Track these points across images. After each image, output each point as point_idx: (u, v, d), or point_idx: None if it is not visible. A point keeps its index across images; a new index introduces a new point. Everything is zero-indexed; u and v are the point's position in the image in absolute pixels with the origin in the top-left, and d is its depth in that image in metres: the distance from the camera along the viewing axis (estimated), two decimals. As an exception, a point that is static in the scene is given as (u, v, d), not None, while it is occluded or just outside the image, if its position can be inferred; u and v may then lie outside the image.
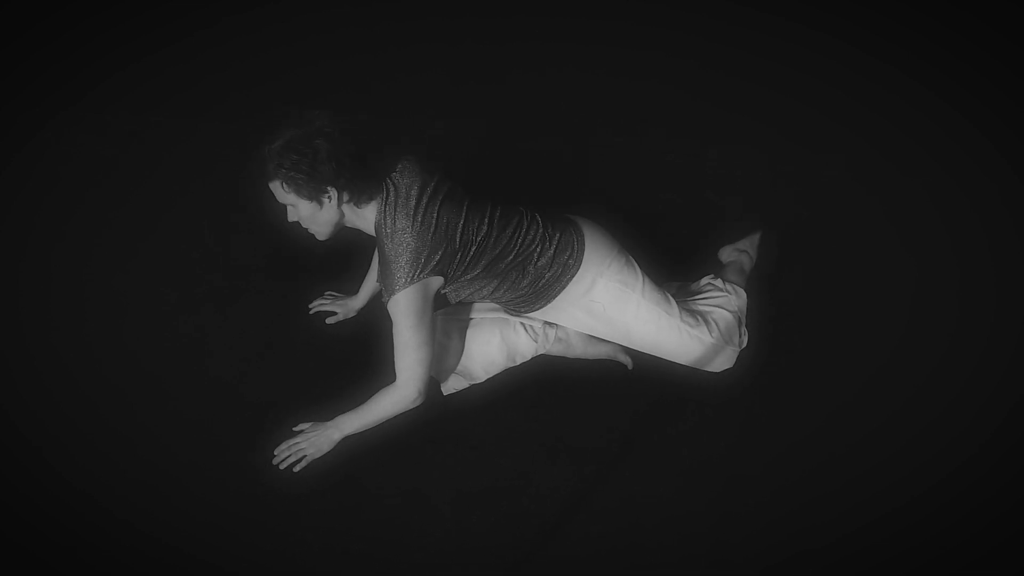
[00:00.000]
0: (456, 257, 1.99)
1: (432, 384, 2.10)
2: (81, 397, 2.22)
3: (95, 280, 2.50)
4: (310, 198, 1.91)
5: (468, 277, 2.04)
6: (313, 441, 2.08)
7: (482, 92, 3.17)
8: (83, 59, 3.17)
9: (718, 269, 2.39)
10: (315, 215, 1.95)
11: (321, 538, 2.00)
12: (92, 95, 3.07)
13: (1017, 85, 3.09)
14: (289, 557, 1.97)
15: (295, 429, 2.13)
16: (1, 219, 2.66)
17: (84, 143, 2.92)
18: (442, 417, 2.18)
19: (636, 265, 2.16)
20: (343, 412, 2.09)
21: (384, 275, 1.98)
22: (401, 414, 2.07)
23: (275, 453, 2.09)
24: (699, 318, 2.18)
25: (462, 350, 2.19)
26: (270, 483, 2.06)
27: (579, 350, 2.27)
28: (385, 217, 1.95)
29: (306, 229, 2.02)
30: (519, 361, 2.24)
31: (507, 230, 2.04)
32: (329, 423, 2.09)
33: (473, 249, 2.01)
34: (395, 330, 2.00)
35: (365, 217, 1.98)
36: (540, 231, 2.08)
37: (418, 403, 2.05)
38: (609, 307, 2.12)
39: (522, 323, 2.21)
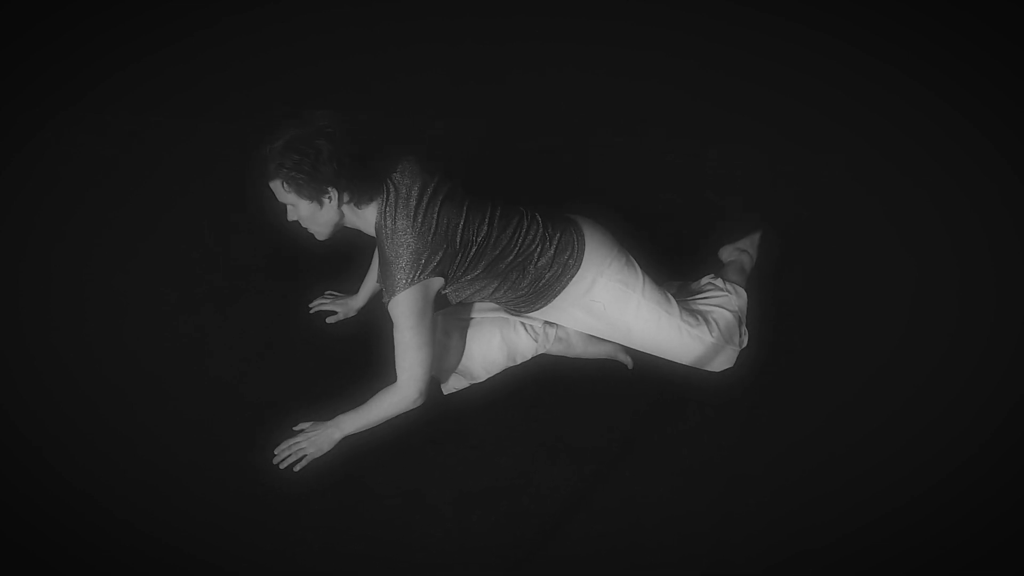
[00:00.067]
0: (456, 258, 1.99)
1: (433, 384, 2.10)
2: (81, 397, 2.22)
3: (95, 280, 2.50)
4: (311, 198, 1.91)
5: (468, 278, 2.04)
6: (313, 440, 2.08)
7: (482, 92, 3.17)
8: (83, 59, 3.17)
9: (718, 269, 2.40)
10: (315, 215, 1.95)
11: (321, 538, 2.00)
12: (92, 95, 3.07)
13: (1017, 85, 3.09)
14: (289, 557, 1.97)
15: (295, 428, 2.13)
16: (1, 219, 2.66)
17: (84, 143, 2.92)
18: (442, 417, 2.18)
19: (636, 265, 2.16)
20: (343, 412, 2.09)
21: (384, 276, 1.98)
22: (402, 414, 2.06)
23: (275, 452, 2.09)
24: (699, 317, 2.18)
25: (463, 350, 2.19)
26: (270, 483, 2.06)
27: (579, 350, 2.27)
28: (385, 218, 1.95)
29: (306, 229, 2.02)
30: (519, 361, 2.24)
31: (507, 230, 2.04)
32: (329, 422, 2.09)
33: (473, 250, 2.01)
34: (396, 331, 1.99)
35: (365, 218, 1.98)
36: (540, 231, 2.08)
37: (419, 403, 2.05)
38: (609, 307, 2.12)
39: (522, 323, 2.21)
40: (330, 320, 2.41)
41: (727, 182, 2.86)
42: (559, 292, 2.10)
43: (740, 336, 2.23)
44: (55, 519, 2.00)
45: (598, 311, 2.13)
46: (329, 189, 1.90)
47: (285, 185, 1.90)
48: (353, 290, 2.42)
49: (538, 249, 2.07)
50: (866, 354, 2.36)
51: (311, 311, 2.43)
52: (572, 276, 2.09)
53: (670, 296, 2.19)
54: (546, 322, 2.22)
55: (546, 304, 2.12)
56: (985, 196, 2.78)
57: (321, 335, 2.39)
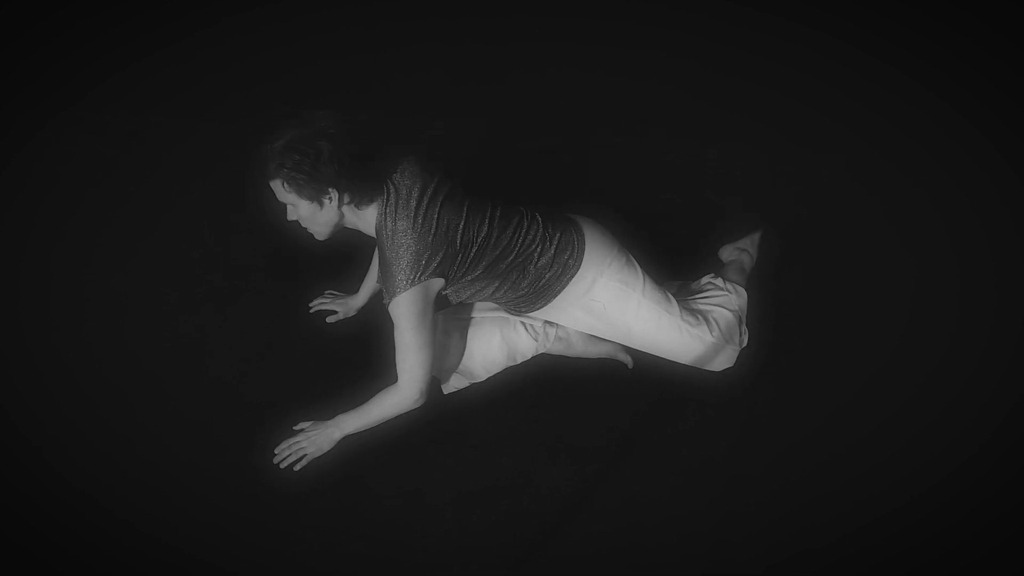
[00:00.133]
0: (457, 259, 1.99)
1: (433, 384, 2.10)
2: (81, 397, 2.22)
3: (95, 280, 2.50)
4: (311, 198, 1.91)
5: (469, 278, 2.04)
6: (314, 440, 2.08)
7: (482, 92, 3.17)
8: (83, 59, 3.17)
9: (718, 268, 2.40)
10: (315, 215, 1.95)
11: (321, 538, 2.00)
12: (92, 95, 3.07)
13: (1017, 85, 3.09)
14: (289, 557, 1.97)
15: (296, 428, 2.13)
16: (1, 219, 2.66)
17: (84, 143, 2.92)
18: (443, 416, 2.18)
19: (636, 264, 2.16)
20: (343, 412, 2.09)
21: (385, 277, 1.98)
22: (402, 414, 2.06)
23: (275, 452, 2.09)
24: (699, 317, 2.18)
25: (463, 349, 2.19)
26: (270, 483, 2.06)
27: (579, 349, 2.27)
28: (386, 219, 1.95)
29: (305, 229, 2.02)
30: (519, 360, 2.24)
31: (507, 230, 2.04)
32: (330, 422, 2.09)
33: (474, 250, 2.01)
34: (396, 332, 1.99)
35: (365, 219, 1.98)
36: (540, 231, 2.08)
37: (419, 404, 2.04)
38: (609, 306, 2.12)
39: (522, 322, 2.21)
40: (330, 320, 2.41)
41: (727, 182, 2.86)
42: (559, 292, 2.10)
43: (740, 336, 2.23)
44: (55, 519, 2.00)
45: (598, 311, 2.13)
46: (329, 190, 1.89)
47: (285, 185, 1.90)
48: (353, 290, 2.42)
49: (538, 249, 2.07)
50: (866, 354, 2.36)
51: (311, 310, 2.43)
52: (572, 276, 2.09)
53: (670, 296, 2.19)
54: (546, 321, 2.22)
55: (546, 304, 2.12)
56: (985, 196, 2.78)
57: (321, 335, 2.39)
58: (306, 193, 1.90)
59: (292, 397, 2.22)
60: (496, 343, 2.20)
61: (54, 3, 3.33)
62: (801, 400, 2.27)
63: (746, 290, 2.29)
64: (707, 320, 2.19)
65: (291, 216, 1.99)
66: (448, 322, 2.19)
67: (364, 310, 2.41)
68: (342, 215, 1.96)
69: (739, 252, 2.44)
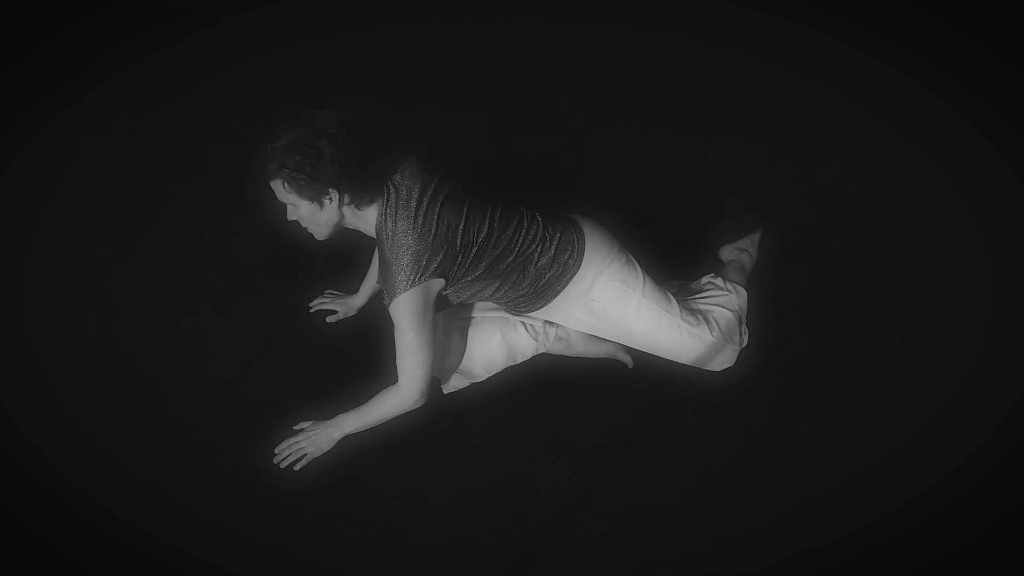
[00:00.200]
0: (457, 259, 1.99)
1: (433, 384, 2.10)
2: (81, 397, 2.22)
3: (95, 280, 2.50)
4: (311, 199, 1.91)
5: (469, 279, 2.04)
6: (314, 439, 2.08)
7: (482, 92, 3.17)
8: (83, 59, 3.17)
9: (718, 268, 2.40)
10: (315, 215, 1.95)
11: (321, 538, 2.00)
12: (92, 95, 3.07)
13: (1017, 85, 3.09)
14: (289, 557, 1.97)
15: (296, 428, 2.13)
16: (1, 219, 2.66)
17: (84, 143, 2.92)
18: (443, 416, 2.18)
19: (636, 264, 2.16)
20: (343, 411, 2.09)
21: (385, 278, 1.98)
22: (402, 414, 2.06)
23: (275, 452, 2.09)
24: (700, 317, 2.18)
25: (463, 349, 2.19)
26: (270, 483, 2.06)
27: (579, 349, 2.27)
28: (386, 220, 1.95)
29: (305, 228, 2.02)
30: (520, 360, 2.24)
31: (507, 231, 2.04)
32: (330, 421, 2.09)
33: (474, 251, 2.01)
34: (397, 333, 1.99)
35: (366, 219, 1.98)
36: (540, 231, 2.07)
37: (420, 404, 2.04)
38: (610, 306, 2.12)
39: (522, 322, 2.21)
40: (330, 319, 2.41)
41: (727, 182, 2.86)
42: (559, 292, 2.10)
43: (740, 335, 2.23)
44: (55, 519, 2.00)
45: (598, 311, 2.13)
46: (330, 190, 1.89)
47: (286, 185, 1.89)
48: (353, 289, 2.42)
49: (538, 249, 2.07)
50: (866, 354, 2.36)
51: (311, 310, 2.43)
52: (572, 276, 2.09)
53: (670, 295, 2.19)
54: (546, 321, 2.22)
55: (546, 304, 2.12)
56: (985, 196, 2.77)
57: (321, 335, 2.39)
58: (306, 193, 1.89)
59: (292, 397, 2.22)
60: (496, 343, 2.20)
61: (54, 3, 3.33)
62: (801, 400, 2.27)
63: (746, 290, 2.29)
64: (707, 320, 2.19)
65: (291, 216, 1.99)
66: (448, 322, 2.19)
67: (364, 310, 2.41)
68: (342, 215, 1.96)
69: (739, 252, 2.44)
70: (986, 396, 2.27)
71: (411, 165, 2.00)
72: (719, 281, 2.29)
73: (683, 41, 3.33)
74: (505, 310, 2.20)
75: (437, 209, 1.96)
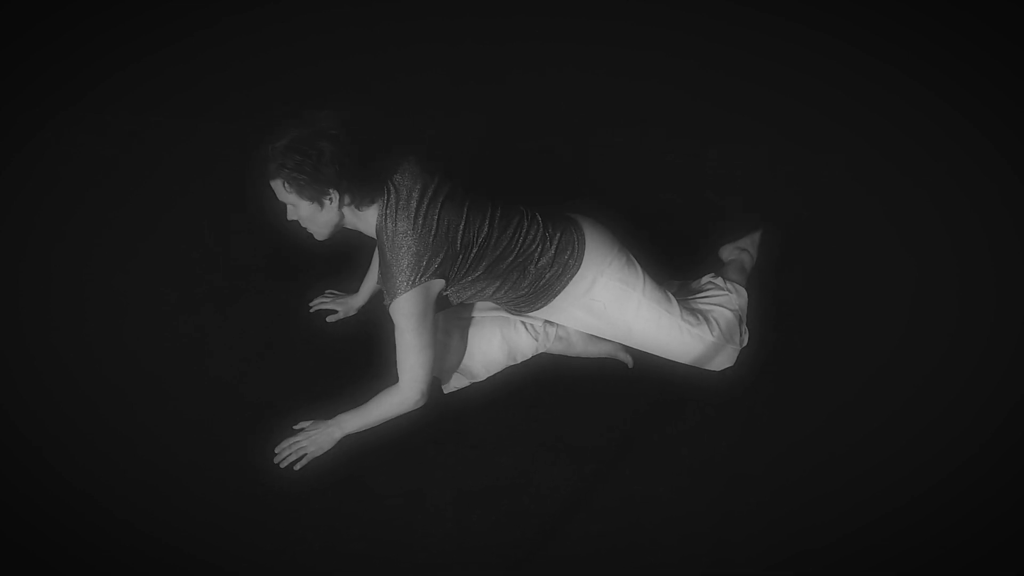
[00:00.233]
0: (457, 260, 1.99)
1: (434, 384, 2.10)
2: (81, 397, 2.22)
3: (95, 280, 2.50)
4: (311, 199, 1.91)
5: (469, 279, 2.04)
6: (314, 439, 2.08)
7: (482, 92, 3.17)
8: (83, 59, 3.17)
9: (719, 268, 2.40)
10: (315, 216, 1.95)
11: (321, 538, 2.00)
12: (92, 95, 3.07)
13: (1017, 85, 3.09)
14: (289, 557, 1.97)
15: (296, 427, 2.13)
16: (1, 219, 2.66)
17: (84, 143, 2.92)
18: (443, 416, 2.18)
19: (637, 264, 2.16)
20: (344, 411, 2.09)
21: (385, 278, 1.98)
22: (402, 414, 2.06)
23: (276, 451, 2.09)
24: (700, 317, 2.18)
25: (463, 349, 2.19)
26: (270, 483, 2.06)
27: (580, 348, 2.27)
28: (386, 220, 1.95)
29: (305, 228, 2.02)
30: (520, 360, 2.24)
31: (508, 231, 2.04)
32: (330, 421, 2.09)
33: (474, 251, 2.01)
34: (397, 333, 1.99)
35: (366, 220, 1.98)
36: (540, 231, 2.07)
37: (420, 405, 2.04)
38: (610, 306, 2.12)
39: (523, 322, 2.21)
40: (330, 319, 2.41)
41: (727, 182, 2.86)
42: (559, 292, 2.10)
43: (740, 335, 2.23)
44: (55, 519, 2.00)
45: (598, 310, 2.13)
46: (330, 190, 1.89)
47: (286, 185, 1.89)
48: (353, 289, 2.42)
49: (538, 249, 2.07)
50: (866, 354, 2.36)
51: (311, 310, 2.43)
52: (572, 276, 2.09)
53: (670, 295, 2.19)
54: (546, 321, 2.22)
55: (546, 304, 2.12)
56: (985, 196, 2.78)
57: (321, 335, 2.39)
58: (307, 194, 1.89)
59: (292, 397, 2.22)
60: (496, 343, 2.20)
61: (54, 3, 3.33)
62: (801, 400, 2.27)
63: (746, 290, 2.29)
64: (707, 320, 2.19)
65: (291, 216, 1.99)
66: (448, 322, 2.19)
67: (364, 310, 2.41)
68: (342, 216, 1.96)
69: (739, 252, 2.44)
70: (986, 396, 2.27)
71: (411, 165, 2.00)
72: (719, 281, 2.29)
73: (683, 41, 3.33)
74: (505, 310, 2.20)
75: (437, 209, 1.96)
